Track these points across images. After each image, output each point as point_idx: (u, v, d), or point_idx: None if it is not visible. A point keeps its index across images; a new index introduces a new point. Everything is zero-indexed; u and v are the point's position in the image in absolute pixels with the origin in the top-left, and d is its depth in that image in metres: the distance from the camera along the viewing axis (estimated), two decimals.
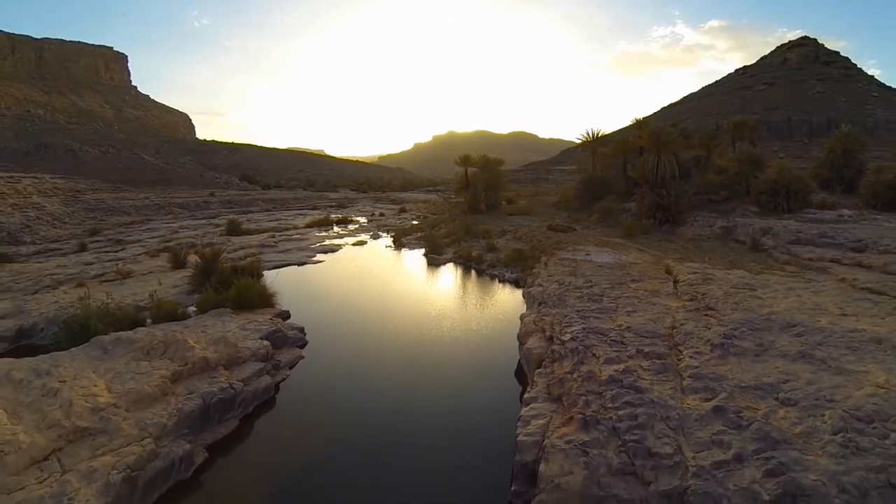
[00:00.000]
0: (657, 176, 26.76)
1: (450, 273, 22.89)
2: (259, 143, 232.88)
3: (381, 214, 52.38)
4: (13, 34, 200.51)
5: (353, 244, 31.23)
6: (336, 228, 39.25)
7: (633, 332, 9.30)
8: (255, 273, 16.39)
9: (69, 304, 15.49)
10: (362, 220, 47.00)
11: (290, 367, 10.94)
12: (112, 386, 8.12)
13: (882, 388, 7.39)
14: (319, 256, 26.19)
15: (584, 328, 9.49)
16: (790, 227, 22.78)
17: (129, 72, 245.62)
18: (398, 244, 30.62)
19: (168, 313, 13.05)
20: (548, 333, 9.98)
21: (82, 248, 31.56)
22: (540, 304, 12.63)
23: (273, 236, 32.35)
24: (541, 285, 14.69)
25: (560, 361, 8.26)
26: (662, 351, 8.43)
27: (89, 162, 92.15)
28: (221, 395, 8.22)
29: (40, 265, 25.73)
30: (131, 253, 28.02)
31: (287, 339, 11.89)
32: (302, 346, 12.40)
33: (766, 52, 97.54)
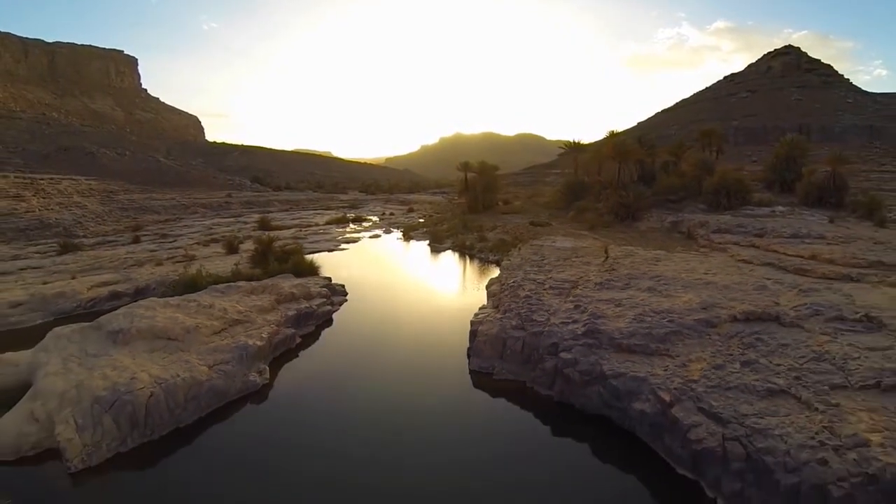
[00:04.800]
0: (619, 180, 32.33)
1: (448, 257, 28.88)
2: (267, 145, 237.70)
3: (391, 214, 58.27)
4: (26, 38, 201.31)
5: (370, 237, 37.54)
6: (352, 225, 45.31)
7: (553, 280, 15.00)
8: (300, 254, 22.14)
9: (166, 273, 21.38)
10: (375, 218, 53.06)
11: (340, 305, 17.18)
12: (239, 306, 13.88)
13: (685, 302, 13.03)
14: (343, 245, 32.41)
15: (522, 278, 15.24)
16: (721, 220, 28.29)
17: (139, 75, 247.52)
18: (407, 237, 36.59)
19: (246, 277, 18.77)
20: (502, 283, 15.70)
21: (136, 241, 37.14)
22: (505, 270, 18.34)
23: (301, 231, 38.33)
24: (509, 260, 20.40)
25: (503, 292, 14.00)
26: (565, 287, 14.12)
27: (108, 164, 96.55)
28: (306, 310, 14.28)
29: (110, 252, 31.51)
30: (184, 243, 33.85)
31: (336, 290, 18.12)
32: (344, 296, 18.74)
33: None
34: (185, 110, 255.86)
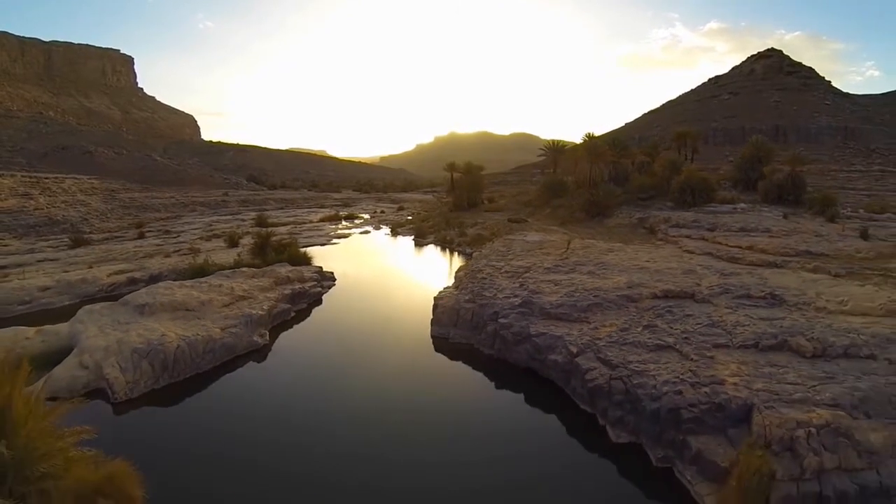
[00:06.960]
0: (591, 179, 34.97)
1: (429, 250, 31.72)
2: (262, 144, 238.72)
3: (382, 212, 60.96)
4: (22, 37, 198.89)
5: (360, 233, 40.39)
6: (344, 222, 48.08)
7: (510, 266, 17.65)
8: (295, 247, 24.77)
9: (175, 263, 23.89)
10: (366, 216, 55.76)
11: (329, 288, 20.03)
12: (244, 285, 16.48)
13: (614, 283, 15.65)
14: (335, 240, 35.22)
15: (485, 265, 17.88)
16: (682, 217, 30.91)
17: (135, 74, 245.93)
18: (395, 233, 39.34)
19: (247, 265, 21.33)
20: (467, 269, 18.32)
21: (141, 236, 39.33)
22: (474, 259, 20.98)
23: (296, 227, 40.99)
24: (479, 252, 23.06)
25: (466, 276, 16.62)
26: (518, 272, 16.78)
27: (105, 163, 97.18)
28: (300, 290, 17.04)
29: (119, 246, 33.84)
30: (187, 238, 36.29)
31: (325, 276, 20.96)
32: (333, 281, 21.54)
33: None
34: (181, 109, 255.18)
